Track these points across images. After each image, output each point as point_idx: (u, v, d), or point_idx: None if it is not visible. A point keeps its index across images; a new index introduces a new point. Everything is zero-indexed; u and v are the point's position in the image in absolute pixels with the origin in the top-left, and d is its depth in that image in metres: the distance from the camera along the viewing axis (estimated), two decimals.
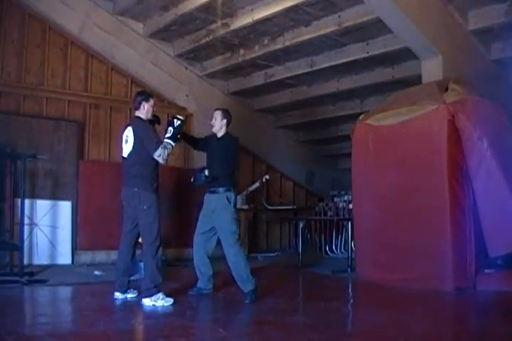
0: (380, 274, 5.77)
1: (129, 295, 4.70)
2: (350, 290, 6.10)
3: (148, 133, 4.59)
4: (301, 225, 8.10)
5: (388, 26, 6.29)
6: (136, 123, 4.69)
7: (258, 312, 4.47)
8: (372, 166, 6.09)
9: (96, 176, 7.44)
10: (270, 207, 9.78)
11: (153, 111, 4.81)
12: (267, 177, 9.42)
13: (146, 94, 4.85)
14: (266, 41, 7.77)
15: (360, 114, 7.02)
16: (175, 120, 4.66)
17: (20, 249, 5.88)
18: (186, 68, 8.85)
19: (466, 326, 4.08)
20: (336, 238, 9.06)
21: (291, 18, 6.97)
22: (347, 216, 8.45)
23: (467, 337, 3.69)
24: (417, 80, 6.77)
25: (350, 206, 7.92)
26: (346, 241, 8.04)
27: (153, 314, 4.25)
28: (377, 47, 7.23)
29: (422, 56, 6.56)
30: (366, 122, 6.28)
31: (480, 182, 5.27)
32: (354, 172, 6.46)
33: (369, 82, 8.32)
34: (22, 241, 5.95)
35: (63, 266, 6.86)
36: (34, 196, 6.92)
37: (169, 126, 4.64)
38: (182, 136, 4.93)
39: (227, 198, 4.80)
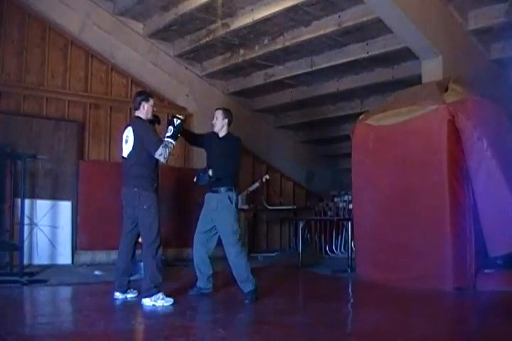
0: (380, 274, 5.77)
1: (129, 295, 4.70)
2: (350, 290, 6.10)
3: (148, 132, 4.59)
4: (301, 225, 8.11)
5: (388, 26, 6.29)
6: (136, 123, 4.69)
7: (258, 312, 4.47)
8: (372, 166, 6.09)
9: (96, 176, 7.43)
10: (270, 207, 9.77)
11: (153, 111, 4.81)
12: (267, 177, 9.42)
13: (145, 94, 4.85)
14: (266, 41, 7.77)
15: (360, 114, 7.03)
16: (175, 119, 4.66)
17: (20, 249, 5.88)
18: (186, 68, 8.84)
19: (465, 326, 4.08)
20: (336, 238, 9.06)
21: (291, 18, 6.97)
22: (347, 216, 8.45)
23: (467, 337, 3.69)
24: (417, 80, 6.76)
25: (350, 206, 7.91)
26: (346, 241, 8.04)
27: (153, 314, 4.25)
28: (377, 47, 7.23)
29: (422, 56, 6.55)
30: (366, 122, 6.28)
31: (480, 182, 5.27)
32: (354, 172, 6.46)
33: (369, 82, 8.32)
34: (22, 241, 5.95)
35: (63, 266, 6.86)
36: (34, 196, 6.92)
37: (169, 125, 4.64)
38: (182, 133, 4.90)
39: (229, 198, 4.80)
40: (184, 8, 7.13)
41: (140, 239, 4.69)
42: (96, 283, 5.79)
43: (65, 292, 5.43)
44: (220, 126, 4.98)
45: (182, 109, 8.57)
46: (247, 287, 4.70)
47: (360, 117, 6.58)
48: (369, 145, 6.11)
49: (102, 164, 7.75)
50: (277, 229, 10.49)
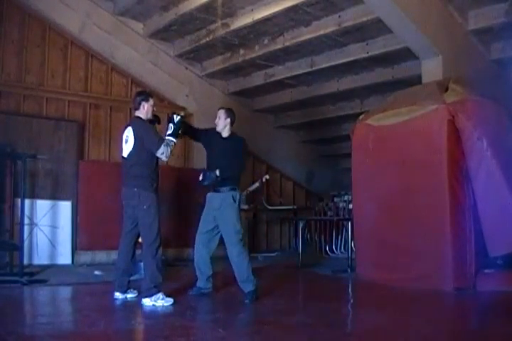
0: (380, 274, 5.77)
1: (129, 295, 4.70)
2: (350, 290, 6.10)
3: (148, 132, 4.59)
4: (301, 225, 8.10)
5: (388, 26, 6.29)
6: (136, 123, 4.69)
7: (258, 312, 4.47)
8: (372, 166, 6.09)
9: (96, 176, 7.43)
10: (270, 207, 9.78)
11: (153, 110, 4.80)
12: (267, 177, 9.41)
13: (145, 94, 4.85)
14: (266, 41, 7.77)
15: (360, 114, 7.03)
16: (175, 116, 4.64)
17: (20, 248, 5.88)
18: (186, 68, 8.85)
19: (465, 326, 4.08)
20: (336, 238, 9.06)
21: (291, 18, 6.97)
22: (347, 216, 8.45)
23: (467, 337, 3.68)
24: (417, 80, 6.77)
25: (350, 206, 7.91)
26: (346, 241, 8.04)
27: (153, 314, 4.25)
28: (377, 47, 7.23)
29: (422, 56, 6.56)
30: (366, 122, 6.28)
31: (480, 182, 5.27)
32: (354, 172, 6.46)
33: (369, 82, 8.32)
34: (22, 241, 5.95)
35: (63, 266, 6.86)
36: (34, 196, 6.92)
37: (170, 122, 4.63)
38: (183, 130, 4.83)
39: (233, 197, 4.80)
40: (184, 8, 7.13)
41: (140, 239, 4.69)
42: (96, 283, 5.79)
43: (65, 292, 5.43)
44: (223, 125, 4.97)
45: (182, 109, 8.56)
46: (248, 287, 4.70)
47: (360, 117, 6.58)
48: (369, 145, 6.11)
49: (102, 164, 7.75)
50: (277, 229, 10.50)
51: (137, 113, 4.73)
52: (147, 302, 4.40)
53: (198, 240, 4.93)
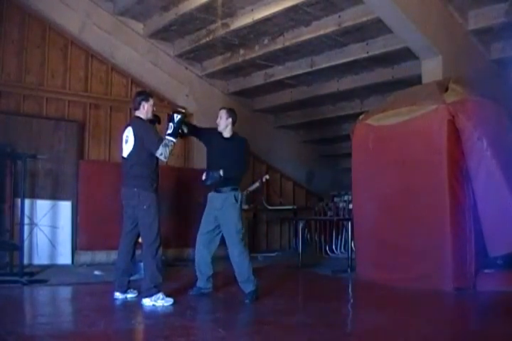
0: (380, 274, 5.77)
1: (129, 295, 4.70)
2: (350, 290, 6.10)
3: (148, 132, 4.59)
4: (301, 225, 8.11)
5: (388, 26, 6.29)
6: (136, 123, 4.69)
7: (258, 312, 4.47)
8: (372, 166, 6.09)
9: (96, 176, 7.43)
10: (270, 207, 9.78)
11: (153, 110, 4.80)
12: (267, 177, 9.41)
13: (145, 94, 4.85)
14: (266, 41, 7.77)
15: (360, 114, 7.03)
16: (175, 114, 4.62)
17: (20, 248, 5.88)
18: (186, 68, 8.85)
19: (465, 326, 4.08)
20: (336, 238, 9.05)
21: (291, 18, 6.97)
22: (347, 216, 8.45)
23: (467, 337, 3.68)
24: (417, 80, 6.77)
25: (350, 206, 7.91)
26: (346, 241, 8.04)
27: (153, 314, 4.25)
28: (377, 47, 7.23)
29: (422, 56, 6.56)
30: (366, 122, 6.28)
31: (480, 182, 5.27)
32: (354, 172, 6.47)
33: (369, 82, 8.32)
34: (22, 241, 5.95)
35: (63, 266, 6.86)
36: (34, 196, 6.92)
37: (170, 121, 4.61)
38: (185, 129, 4.82)
39: (235, 197, 4.80)
40: (184, 8, 7.13)
41: (140, 239, 4.69)
42: (96, 283, 5.79)
43: (65, 292, 5.43)
44: (224, 125, 4.96)
45: (182, 109, 8.55)
46: (248, 287, 4.70)
47: (360, 117, 6.58)
48: (369, 145, 6.11)
49: (102, 164, 7.75)
50: (277, 229, 10.50)
51: (137, 113, 4.73)
52: (147, 302, 4.40)
53: (199, 241, 4.93)
